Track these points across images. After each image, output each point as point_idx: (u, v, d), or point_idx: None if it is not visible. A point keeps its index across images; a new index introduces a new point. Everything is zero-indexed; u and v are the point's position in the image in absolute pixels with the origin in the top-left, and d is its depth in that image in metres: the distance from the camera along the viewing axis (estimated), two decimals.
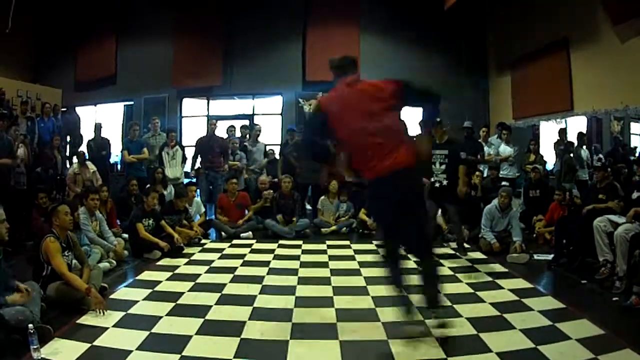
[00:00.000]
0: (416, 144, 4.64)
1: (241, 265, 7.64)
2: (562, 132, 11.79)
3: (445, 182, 8.14)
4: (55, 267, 5.26)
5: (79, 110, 14.57)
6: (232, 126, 12.33)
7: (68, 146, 12.97)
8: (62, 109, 13.85)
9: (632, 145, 12.29)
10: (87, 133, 13.20)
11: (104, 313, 5.12)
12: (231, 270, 7.29)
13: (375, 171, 4.38)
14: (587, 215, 7.22)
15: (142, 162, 11.36)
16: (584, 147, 11.27)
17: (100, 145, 11.86)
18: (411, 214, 4.41)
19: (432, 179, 8.18)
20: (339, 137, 4.56)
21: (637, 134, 13.07)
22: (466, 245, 8.54)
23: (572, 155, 10.90)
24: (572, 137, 11.60)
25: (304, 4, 14.43)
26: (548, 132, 12.89)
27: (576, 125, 12.08)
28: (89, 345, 4.37)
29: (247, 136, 12.43)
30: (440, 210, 8.99)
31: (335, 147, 4.74)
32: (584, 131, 11.80)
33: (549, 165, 12.16)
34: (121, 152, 11.94)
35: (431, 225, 4.97)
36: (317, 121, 4.90)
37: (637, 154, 11.52)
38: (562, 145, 11.36)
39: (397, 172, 4.29)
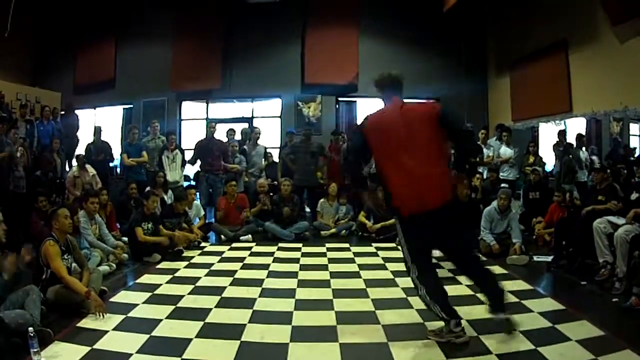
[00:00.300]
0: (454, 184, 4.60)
1: (241, 268, 7.63)
2: (562, 134, 11.78)
3: None
4: (54, 271, 5.26)
5: (78, 113, 14.51)
6: (232, 129, 12.32)
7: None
8: (61, 112, 13.83)
9: (632, 146, 12.29)
10: (86, 136, 13.21)
11: (103, 316, 5.12)
12: (231, 273, 7.28)
13: (408, 207, 4.38)
14: (587, 216, 7.22)
15: (142, 166, 11.34)
16: (583, 148, 11.27)
17: (100, 148, 11.86)
18: (448, 239, 4.55)
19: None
20: (376, 161, 4.60)
21: (636, 135, 13.08)
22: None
23: (571, 156, 10.90)
24: (571, 138, 11.59)
25: (303, 6, 14.42)
26: (547, 133, 12.90)
27: (575, 126, 12.09)
28: (89, 348, 4.36)
29: (249, 139, 12.44)
30: None
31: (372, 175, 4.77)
32: (583, 133, 11.81)
33: (549, 167, 12.16)
34: (120, 155, 11.94)
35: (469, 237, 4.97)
36: (355, 140, 4.94)
37: (636, 155, 11.52)
38: (561, 146, 11.36)
39: (432, 211, 4.30)
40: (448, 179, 4.42)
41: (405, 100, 4.60)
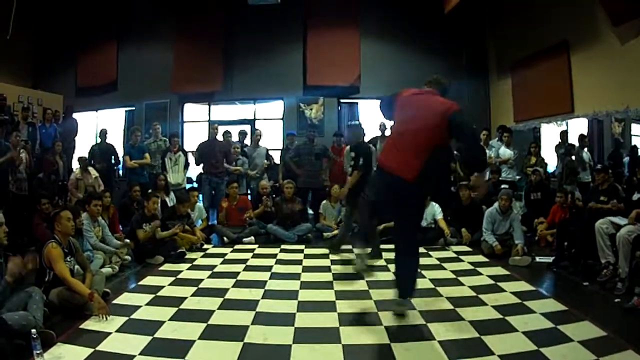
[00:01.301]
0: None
1: (243, 270, 7.62)
2: (564, 135, 11.76)
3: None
4: (57, 273, 5.27)
5: (80, 115, 14.52)
6: (228, 131, 12.27)
7: None
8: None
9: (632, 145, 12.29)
10: (88, 139, 13.24)
11: (106, 318, 5.13)
12: (234, 275, 7.28)
13: (387, 165, 5.09)
14: (589, 217, 7.23)
15: (144, 168, 11.33)
16: (586, 149, 11.26)
17: (105, 150, 11.87)
18: (401, 209, 5.06)
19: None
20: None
21: (638, 135, 13.06)
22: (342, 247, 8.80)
23: (573, 157, 10.89)
24: (573, 139, 11.57)
25: (305, 8, 14.42)
26: (549, 134, 12.89)
27: (577, 127, 12.07)
28: (92, 350, 4.38)
29: (250, 141, 12.44)
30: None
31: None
32: (585, 133, 11.79)
33: (550, 168, 12.14)
34: (122, 157, 11.94)
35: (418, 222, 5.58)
36: (386, 99, 5.57)
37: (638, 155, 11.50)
38: (563, 147, 11.35)
39: (401, 178, 4.87)
40: (419, 168, 4.83)
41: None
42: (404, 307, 5.22)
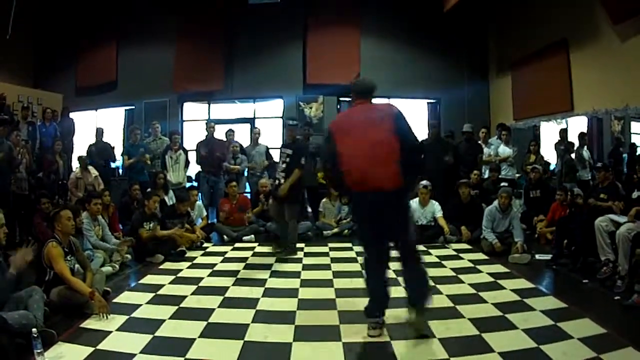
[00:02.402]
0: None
1: (243, 268, 7.65)
2: (564, 132, 11.77)
3: (282, 181, 8.44)
4: (58, 272, 5.28)
5: (80, 114, 14.54)
6: (231, 130, 12.32)
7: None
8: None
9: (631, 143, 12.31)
10: (85, 139, 13.22)
11: (107, 317, 5.14)
12: (234, 273, 7.31)
13: (360, 185, 4.69)
14: (588, 214, 7.24)
15: (144, 166, 11.34)
16: (585, 147, 11.27)
17: (102, 149, 11.87)
18: (395, 224, 4.74)
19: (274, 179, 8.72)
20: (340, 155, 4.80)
21: (637, 133, 13.07)
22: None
23: (572, 155, 10.90)
24: (573, 137, 11.58)
25: (305, 7, 14.42)
26: (549, 132, 12.90)
27: (577, 125, 12.08)
28: (93, 349, 4.39)
29: (250, 140, 12.41)
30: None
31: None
32: (585, 131, 11.80)
33: (551, 166, 12.15)
34: (122, 155, 11.97)
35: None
36: (329, 147, 5.04)
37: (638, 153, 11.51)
38: (562, 145, 11.36)
39: (381, 192, 4.60)
40: (398, 172, 4.58)
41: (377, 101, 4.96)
42: (423, 319, 4.77)
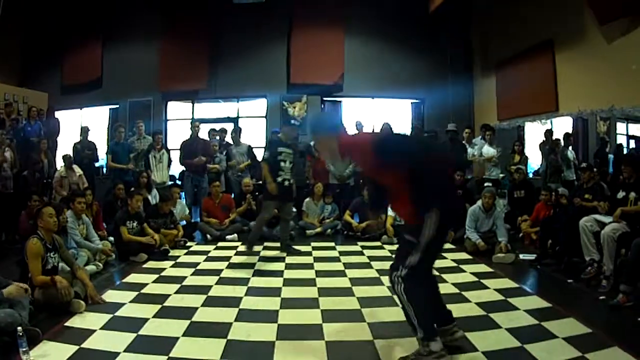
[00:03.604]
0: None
1: (227, 268, 7.67)
2: (548, 133, 11.81)
3: (292, 181, 8.62)
4: (30, 269, 5.29)
5: (65, 113, 14.51)
6: (214, 129, 12.37)
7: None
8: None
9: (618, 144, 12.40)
10: (70, 138, 13.16)
11: (69, 296, 5.23)
12: (217, 272, 7.32)
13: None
14: (573, 214, 7.27)
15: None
16: (570, 147, 11.32)
17: (86, 148, 11.81)
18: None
19: (279, 179, 8.42)
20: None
21: (622, 134, 13.15)
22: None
23: (557, 155, 10.94)
24: (558, 137, 11.62)
25: (289, 7, 14.42)
26: (534, 132, 12.94)
27: (563, 125, 12.13)
28: (77, 347, 4.38)
29: (232, 140, 12.41)
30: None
31: None
32: (570, 132, 11.86)
33: (533, 166, 12.20)
34: (106, 154, 11.97)
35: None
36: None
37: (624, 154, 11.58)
38: (547, 145, 11.40)
39: None
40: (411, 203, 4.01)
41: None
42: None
